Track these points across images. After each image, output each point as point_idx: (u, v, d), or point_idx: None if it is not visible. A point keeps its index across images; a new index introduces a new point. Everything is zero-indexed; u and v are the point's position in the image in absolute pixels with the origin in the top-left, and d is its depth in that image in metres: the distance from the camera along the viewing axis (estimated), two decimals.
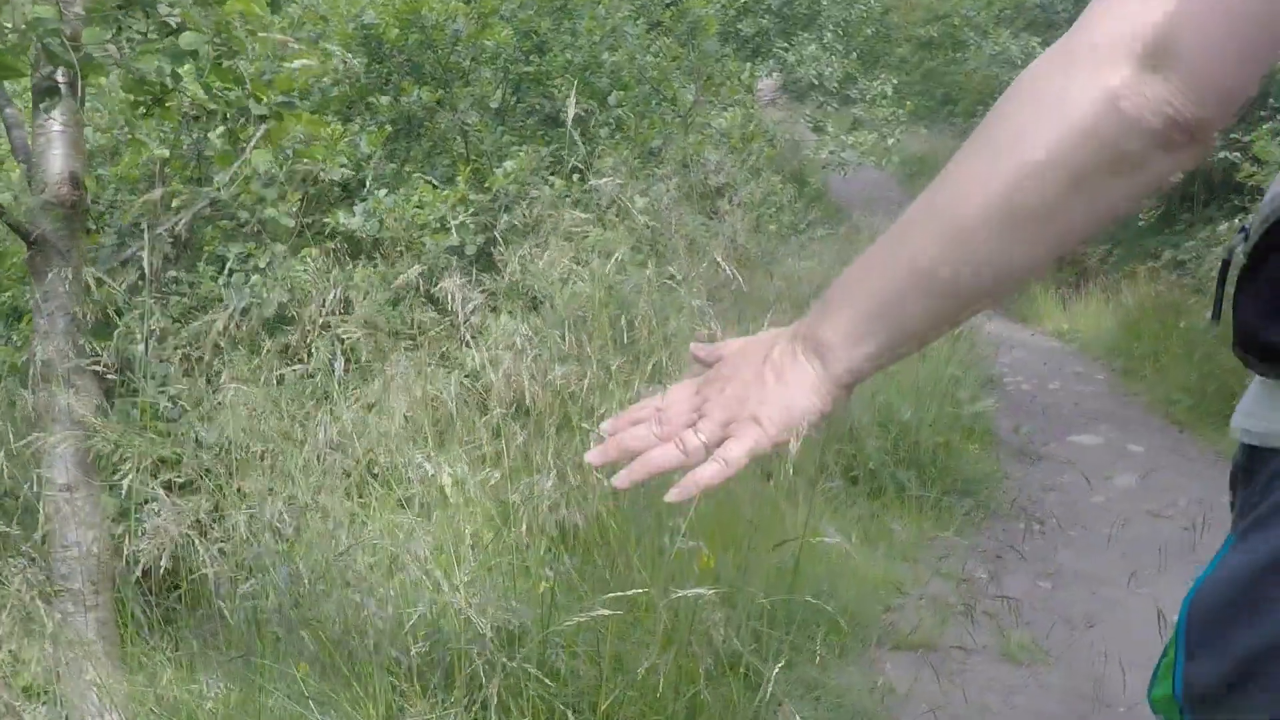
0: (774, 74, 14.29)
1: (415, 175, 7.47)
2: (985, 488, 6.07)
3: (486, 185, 7.26)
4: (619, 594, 2.37)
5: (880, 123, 14.68)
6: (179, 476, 3.29)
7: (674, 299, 5.88)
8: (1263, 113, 12.77)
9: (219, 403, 3.92)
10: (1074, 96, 0.89)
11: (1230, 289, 0.98)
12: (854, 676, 3.78)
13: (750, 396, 1.13)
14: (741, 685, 2.85)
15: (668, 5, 11.24)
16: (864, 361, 1.09)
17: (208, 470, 3.29)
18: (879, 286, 1.05)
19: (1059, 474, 6.96)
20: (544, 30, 8.67)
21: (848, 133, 14.42)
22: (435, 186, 7.24)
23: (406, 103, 8.04)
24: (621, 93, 8.99)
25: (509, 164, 7.32)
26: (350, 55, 8.43)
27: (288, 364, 5.86)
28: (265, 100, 4.46)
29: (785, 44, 14.11)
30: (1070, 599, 4.84)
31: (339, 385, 4.77)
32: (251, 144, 4.60)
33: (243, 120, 4.59)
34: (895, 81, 15.53)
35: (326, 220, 7.02)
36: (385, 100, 8.19)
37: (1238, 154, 12.78)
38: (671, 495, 1.14)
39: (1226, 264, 1.00)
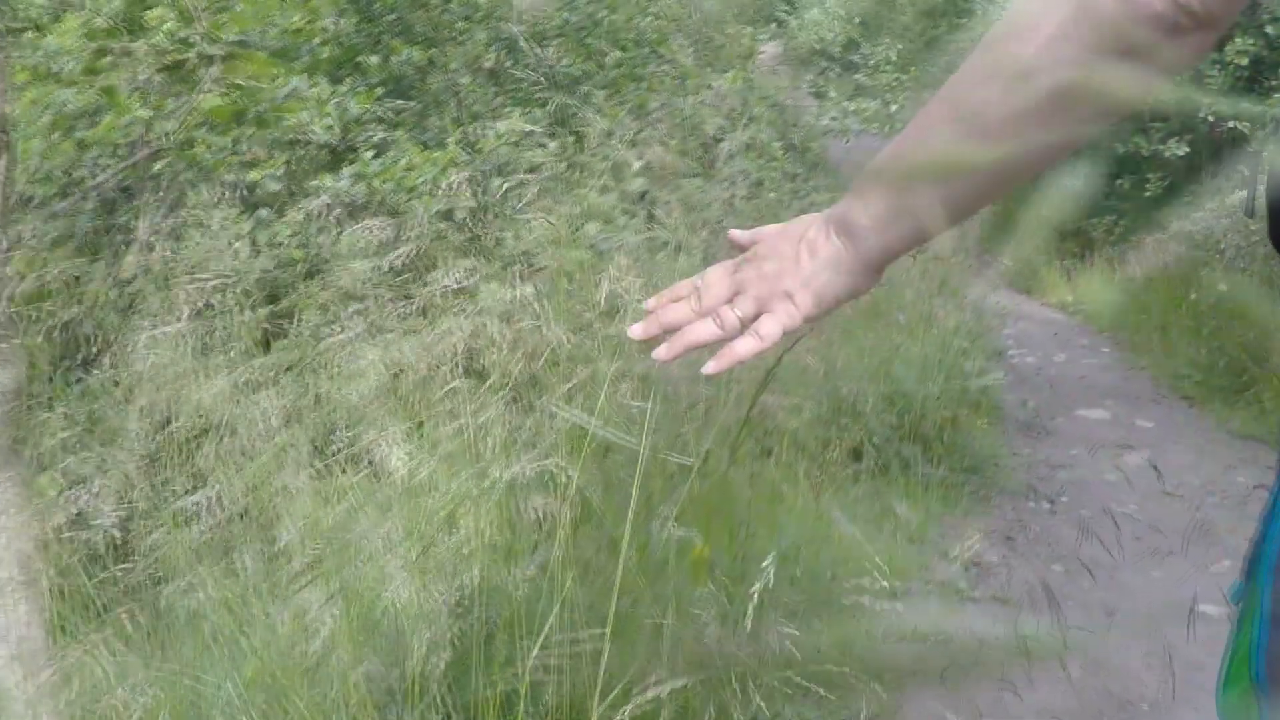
0: (775, 40, 13.98)
1: (404, 137, 7.20)
2: (993, 465, 5.83)
3: (478, 147, 7.00)
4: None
5: (883, 89, 14.40)
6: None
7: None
8: (1273, 81, 12.53)
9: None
10: None
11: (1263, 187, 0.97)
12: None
13: (785, 274, 1.16)
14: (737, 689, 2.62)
15: None
16: (893, 243, 1.13)
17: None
18: (908, 170, 1.10)
19: (1068, 450, 6.73)
20: None
21: (850, 99, 14.13)
22: (426, 148, 6.98)
23: (396, 63, 7.76)
24: (620, 53, 8.72)
25: (501, 125, 7.07)
26: (339, 14, 8.20)
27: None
28: (220, 39, 4.15)
29: (788, 7, 13.83)
30: (1086, 585, 4.59)
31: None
32: (203, 88, 4.30)
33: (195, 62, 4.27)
34: (900, 47, 15.22)
35: (314, 183, 6.75)
36: (375, 61, 7.91)
37: (1246, 124, 12.56)
38: (709, 367, 1.17)
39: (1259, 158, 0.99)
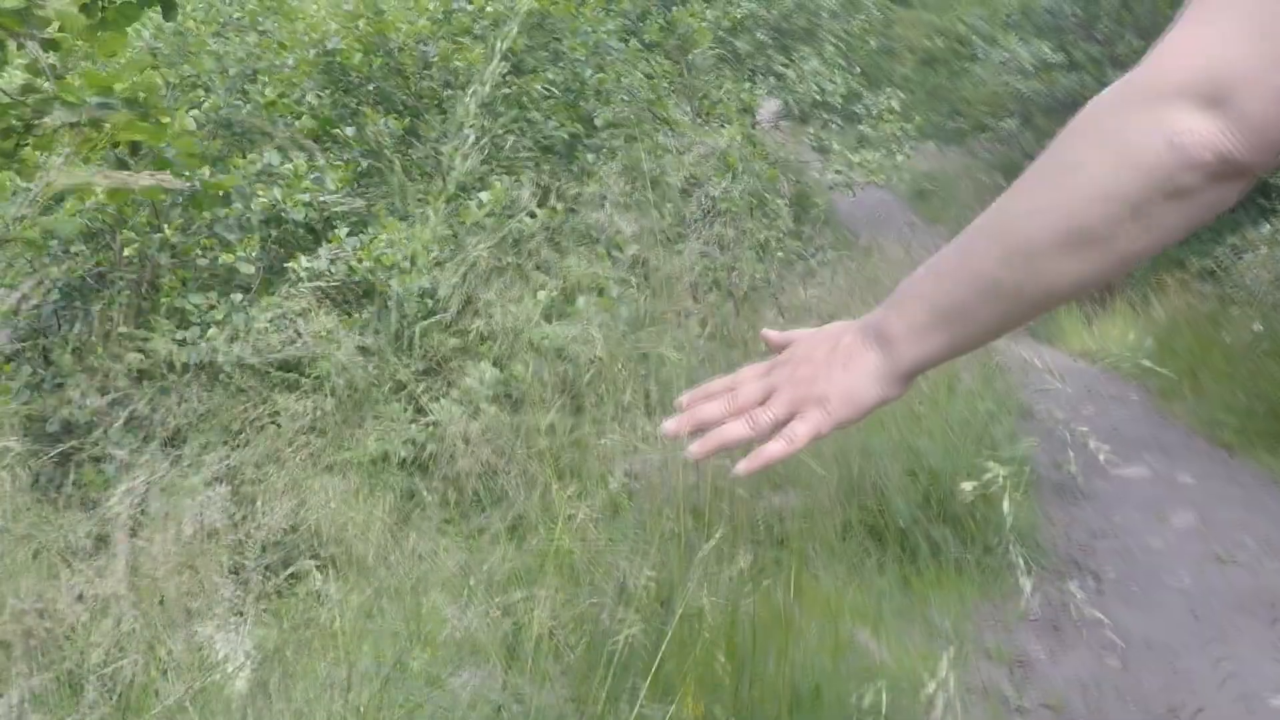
0: (774, 94, 13.60)
1: (383, 211, 6.83)
2: (1031, 539, 5.33)
3: (461, 219, 6.61)
4: None
5: (887, 139, 14.02)
6: None
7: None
8: None
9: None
10: (1133, 131, 0.95)
11: None
12: None
13: (819, 380, 1.20)
14: None
15: (659, 25, 10.61)
16: (927, 357, 1.17)
17: None
18: (945, 291, 1.13)
19: (1109, 515, 6.24)
20: (519, 49, 8.00)
21: (854, 150, 13.74)
22: (406, 222, 6.61)
23: (373, 133, 7.39)
24: (608, 113, 8.33)
25: (484, 195, 6.68)
26: (314, 86, 7.87)
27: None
28: (76, 100, 3.64)
29: (785, 60, 13.46)
30: (1145, 680, 4.11)
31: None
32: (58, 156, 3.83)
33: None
34: (902, 95, 14.86)
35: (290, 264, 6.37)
36: (350, 132, 7.54)
37: None
38: (741, 467, 1.20)
39: None
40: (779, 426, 1.20)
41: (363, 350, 5.98)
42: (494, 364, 5.96)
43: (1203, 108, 0.91)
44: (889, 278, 10.12)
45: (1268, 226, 11.24)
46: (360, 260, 6.10)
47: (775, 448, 1.19)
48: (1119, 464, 7.41)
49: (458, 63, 7.84)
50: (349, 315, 6.02)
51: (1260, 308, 9.21)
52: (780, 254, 9.11)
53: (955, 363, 6.28)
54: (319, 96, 7.82)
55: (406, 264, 6.19)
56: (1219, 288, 11.47)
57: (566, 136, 7.99)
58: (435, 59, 7.88)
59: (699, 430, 1.24)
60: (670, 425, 1.27)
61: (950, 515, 4.99)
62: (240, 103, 7.66)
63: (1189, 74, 0.93)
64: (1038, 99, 17.00)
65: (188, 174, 4.91)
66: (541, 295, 6.18)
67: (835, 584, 4.13)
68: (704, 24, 10.83)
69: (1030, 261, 1.04)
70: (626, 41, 9.25)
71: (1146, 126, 0.94)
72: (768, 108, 14.81)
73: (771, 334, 1.33)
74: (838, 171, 13.33)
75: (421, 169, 7.59)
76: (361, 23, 7.87)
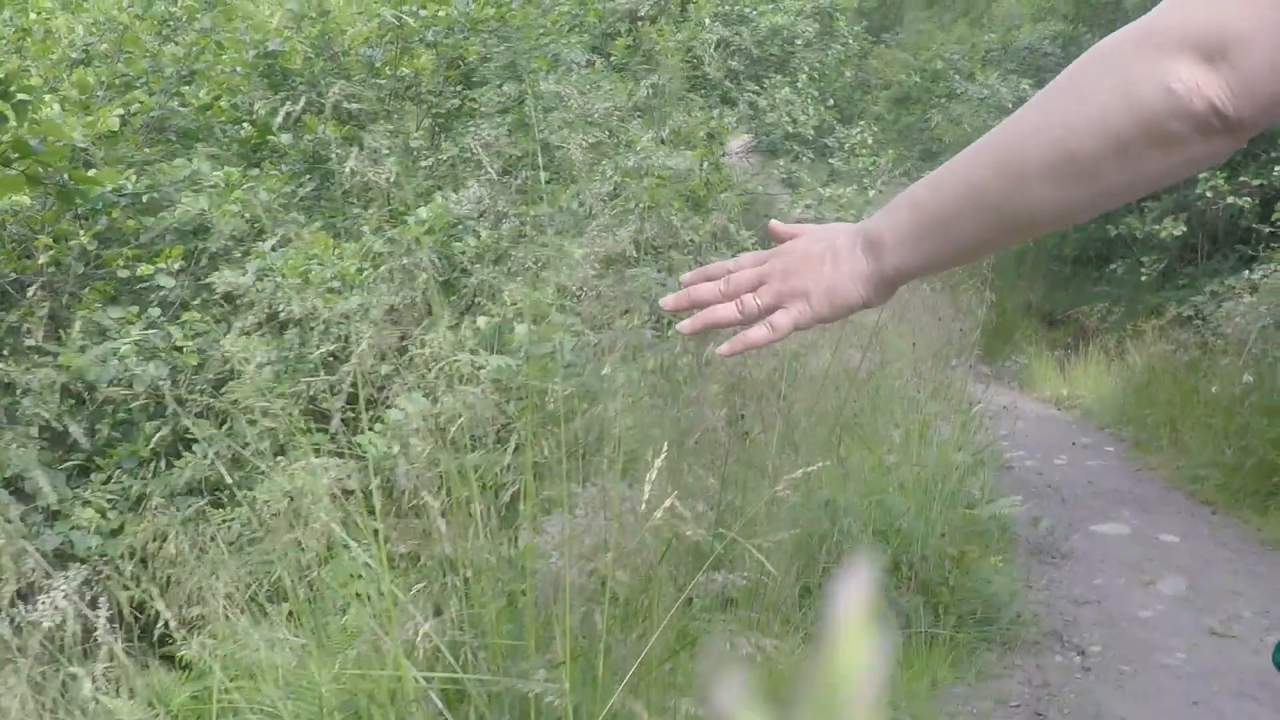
0: (743, 123, 13.16)
1: (317, 227, 6.34)
2: (1009, 609, 4.81)
3: (392, 237, 6.13)
4: None
5: (860, 174, 13.58)
6: None
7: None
8: (1274, 153, 11.78)
9: None
10: (1133, 71, 0.99)
11: None
12: None
13: (807, 275, 1.26)
14: None
15: (626, 44, 10.15)
16: (910, 265, 1.21)
17: None
18: (938, 200, 1.18)
19: (1090, 578, 5.75)
20: (471, 57, 7.52)
21: (824, 185, 13.28)
22: (340, 238, 6.13)
23: (310, 141, 6.90)
24: (566, 131, 7.85)
25: (423, 211, 6.18)
26: (260, 90, 7.39)
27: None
28: None
29: (756, 88, 13.04)
30: None
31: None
32: None
33: None
34: (876, 130, 14.45)
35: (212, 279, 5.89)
36: (287, 139, 7.04)
37: (1247, 199, 11.80)
38: (723, 349, 1.30)
39: None
40: (765, 314, 1.26)
41: (284, 374, 5.52)
42: (426, 395, 5.46)
43: (1203, 60, 0.95)
44: (858, 316, 9.71)
45: (1248, 273, 10.88)
46: (284, 277, 5.62)
47: (756, 333, 1.26)
48: (1097, 520, 6.95)
49: (405, 70, 7.35)
50: (273, 336, 5.55)
51: (1250, 358, 8.76)
52: None
53: (929, 409, 5.79)
54: (265, 99, 7.33)
55: (336, 283, 5.72)
56: (1198, 335, 11.09)
57: (519, 154, 7.50)
58: (381, 64, 7.40)
59: (694, 308, 1.30)
60: (669, 301, 1.32)
61: (922, 582, 4.48)
62: (176, 106, 7.16)
63: (1194, 26, 0.96)
64: None
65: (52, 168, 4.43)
66: (481, 322, 5.71)
67: (788, 661, 3.61)
68: (672, 45, 10.36)
69: (1019, 179, 1.08)
70: (592, 62, 8.81)
71: (1147, 70, 0.99)
72: (737, 141, 14.43)
73: (778, 225, 1.36)
74: (807, 206, 12.85)
75: (363, 182, 7.09)
76: (305, 23, 7.38)
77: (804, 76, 13.66)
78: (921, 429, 5.43)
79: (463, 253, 6.09)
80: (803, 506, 4.06)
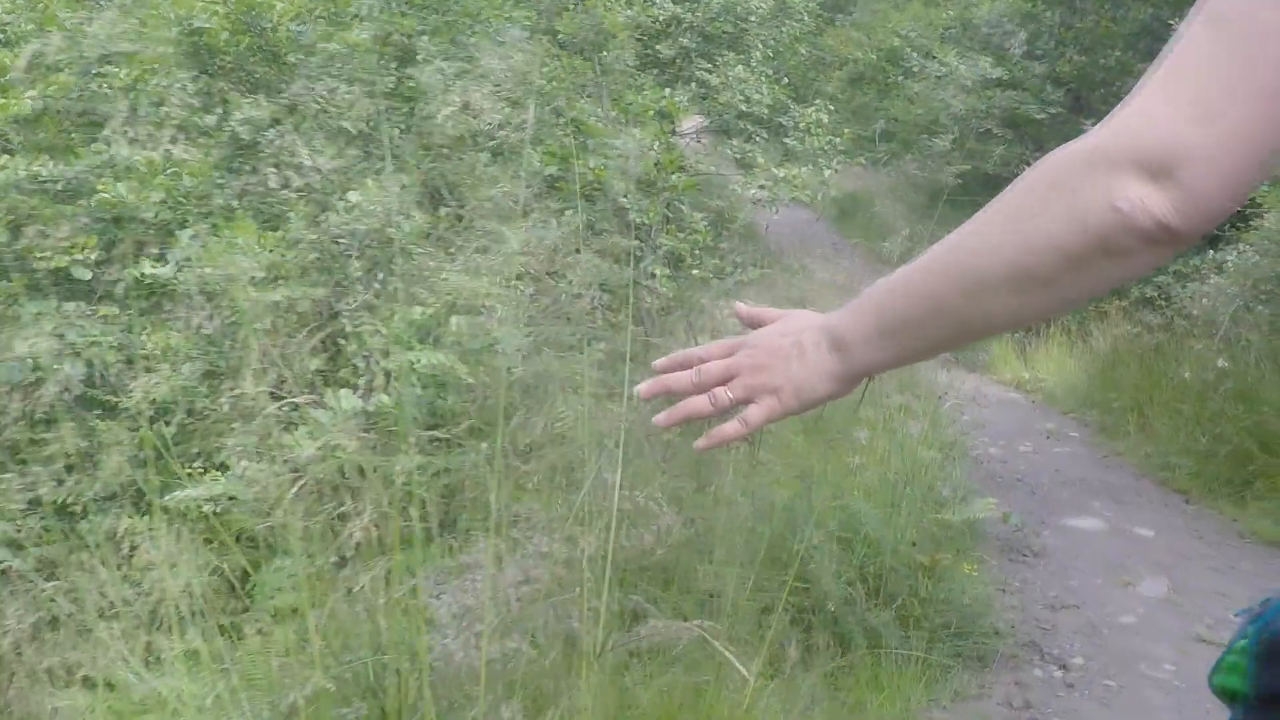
0: (696, 101, 12.79)
1: (243, 213, 5.97)
2: (984, 620, 4.45)
3: (321, 223, 5.77)
4: None
5: (815, 154, 13.22)
6: None
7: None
8: None
9: None
10: (1082, 190, 1.04)
11: None
12: None
13: (776, 370, 1.32)
14: None
15: (569, 10, 9.74)
16: (875, 362, 1.28)
17: None
18: (899, 309, 1.23)
19: (1065, 578, 5.42)
20: (410, 31, 7.12)
21: (779, 165, 12.90)
22: (269, 226, 5.78)
23: (235, 123, 6.49)
24: (509, 111, 7.46)
25: (353, 196, 5.79)
26: (188, 71, 6.98)
27: None
28: None
29: (709, 66, 12.66)
30: None
31: None
32: None
33: None
34: (831, 108, 14.07)
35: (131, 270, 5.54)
36: (211, 121, 6.64)
37: None
38: (699, 444, 1.35)
39: None
40: (737, 407, 1.32)
41: (209, 372, 5.18)
42: (359, 391, 5.10)
43: (1149, 179, 0.99)
44: (816, 300, 9.36)
45: (1212, 253, 10.61)
46: (206, 267, 5.25)
47: (730, 429, 1.31)
48: (1069, 514, 6.62)
49: (336, 46, 6.95)
50: (195, 332, 5.20)
51: (1223, 343, 8.45)
52: (696, 271, 8.30)
53: (895, 401, 5.44)
54: (194, 80, 6.92)
55: (261, 273, 5.34)
56: (1163, 317, 10.81)
57: (460, 134, 7.12)
58: (312, 41, 7.00)
59: (665, 396, 1.36)
60: (643, 388, 1.37)
61: (890, 594, 4.11)
62: (96, 87, 6.75)
63: (1140, 146, 1.00)
64: (973, 118, 16.31)
65: None
66: (418, 313, 5.35)
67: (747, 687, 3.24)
68: (621, 21, 9.96)
69: (978, 293, 1.14)
70: (538, 39, 8.44)
71: (1097, 188, 1.02)
72: (690, 121, 14.12)
73: (742, 309, 1.43)
74: (761, 187, 12.47)
75: (293, 165, 6.71)
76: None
77: (757, 54, 13.29)
78: (887, 422, 5.08)
79: (395, 240, 5.73)
80: (760, 515, 3.68)
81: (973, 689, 4.04)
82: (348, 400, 4.93)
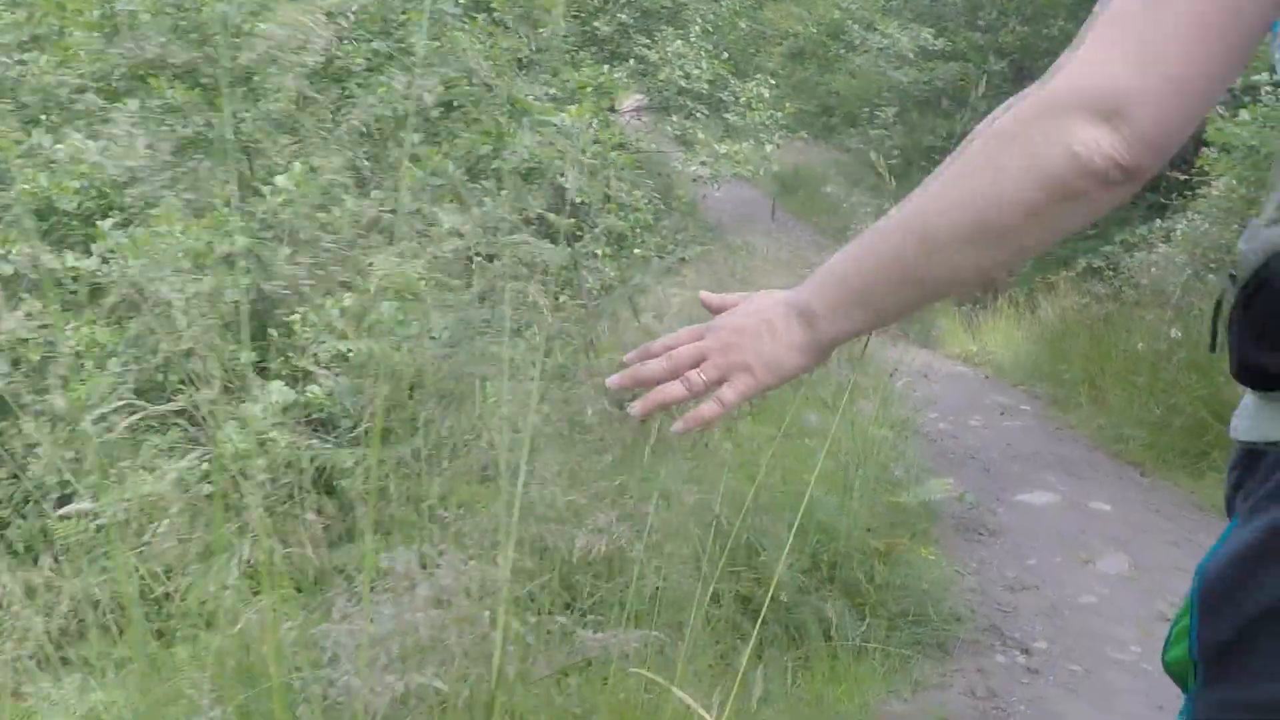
0: (634, 78, 12.57)
1: (171, 201, 5.72)
2: (943, 604, 4.27)
3: (252, 209, 5.54)
4: None
5: (756, 129, 13.04)
6: None
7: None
8: None
9: None
10: (1038, 140, 1.07)
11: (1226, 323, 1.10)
12: None
13: (746, 349, 1.33)
14: None
15: None
16: (844, 331, 1.30)
17: None
18: (864, 274, 1.26)
19: (1023, 556, 5.27)
20: (336, 8, 6.86)
21: (720, 141, 12.71)
22: (198, 214, 5.53)
23: (157, 107, 6.26)
24: (443, 89, 7.24)
25: (281, 179, 5.56)
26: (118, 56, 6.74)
27: None
28: None
29: (647, 41, 12.46)
30: None
31: None
32: None
33: None
34: (773, 82, 13.89)
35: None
36: (133, 105, 6.38)
37: None
38: (677, 426, 1.35)
39: (1220, 304, 1.11)
40: (711, 388, 1.33)
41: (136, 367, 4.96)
42: (289, 382, 4.90)
43: (1101, 121, 1.04)
44: (760, 277, 9.18)
45: (1159, 222, 10.52)
46: (132, 259, 5.03)
47: (707, 409, 1.33)
48: (1023, 489, 6.48)
49: (264, 25, 6.68)
50: (121, 326, 4.99)
51: (1176, 312, 8.32)
52: (639, 250, 8.12)
53: (850, 385, 5.26)
54: (120, 60, 6.68)
55: (188, 264, 5.11)
56: (1111, 287, 10.70)
57: (387, 114, 6.90)
58: (236, 19, 6.74)
59: (638, 387, 1.37)
60: (614, 380, 1.40)
61: (845, 582, 3.93)
62: (16, 75, 6.50)
63: (1088, 90, 1.05)
64: (915, 90, 16.18)
65: None
66: (348, 301, 5.13)
67: (698, 682, 3.06)
68: None
69: (940, 252, 1.16)
70: (473, 16, 8.21)
71: (1051, 136, 1.06)
72: (630, 100, 13.94)
73: (708, 296, 1.43)
74: (703, 163, 12.28)
75: (220, 151, 6.49)
76: None
77: (696, 28, 13.09)
78: (836, 401, 4.90)
79: (328, 225, 5.52)
80: (707, 504, 3.49)
81: (934, 678, 3.86)
82: (279, 393, 4.73)
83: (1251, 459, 1.08)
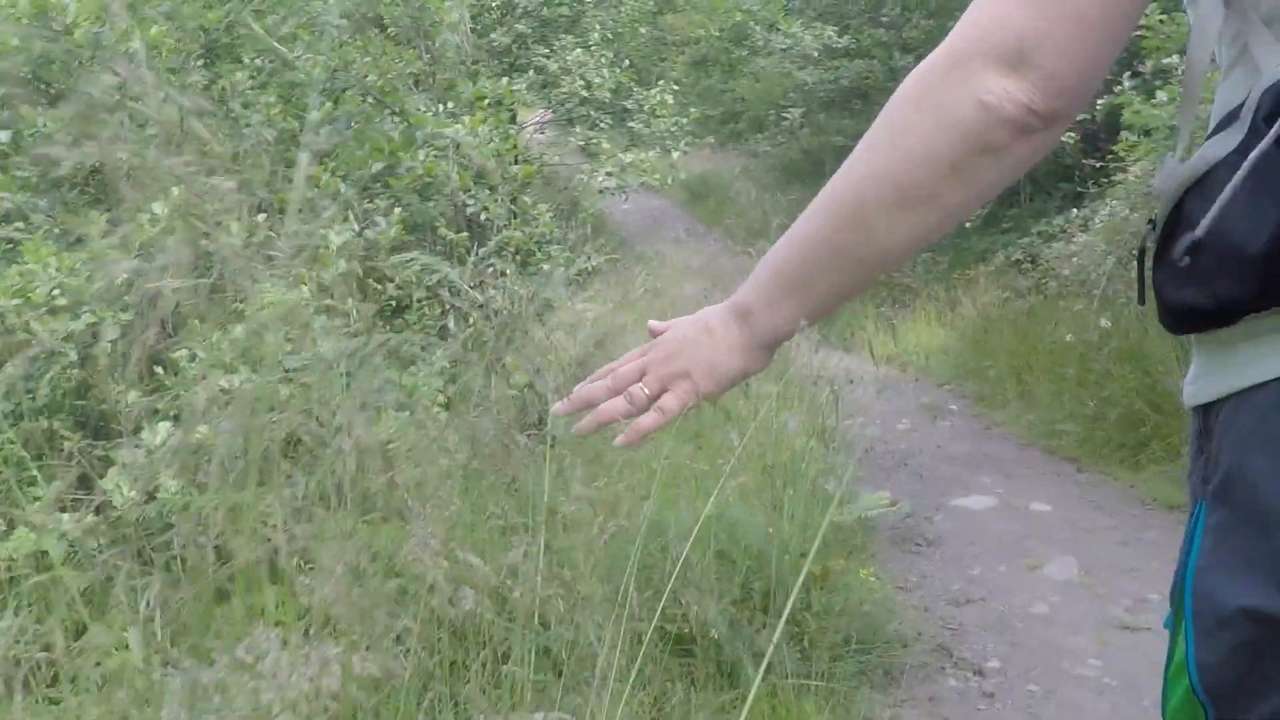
0: (534, 90, 12.27)
1: (41, 235, 5.38)
2: (887, 628, 3.94)
3: (129, 239, 5.13)
4: None
5: (662, 136, 12.78)
6: None
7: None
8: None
9: None
10: (947, 95, 1.07)
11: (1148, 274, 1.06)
12: None
13: (685, 356, 1.32)
14: None
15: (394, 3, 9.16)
16: (781, 325, 1.28)
17: None
18: (794, 262, 1.25)
19: (966, 566, 4.98)
20: (212, 25, 6.49)
21: (625, 151, 12.42)
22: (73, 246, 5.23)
23: (33, 137, 5.90)
24: (331, 107, 6.90)
25: (158, 206, 5.17)
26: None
27: None
28: None
29: (546, 51, 12.17)
30: None
31: None
32: None
33: None
34: (676, 89, 13.63)
35: None
36: (3, 137, 6.01)
37: (1070, 134, 11.21)
38: (619, 440, 1.34)
39: (1143, 252, 1.07)
40: (653, 400, 1.32)
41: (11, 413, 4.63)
42: (176, 421, 4.53)
43: (1007, 69, 1.04)
44: (671, 286, 8.89)
45: (1075, 212, 10.36)
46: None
47: (647, 420, 1.31)
48: (958, 493, 6.19)
49: (135, 45, 6.31)
50: None
51: (1103, 301, 8.09)
52: (546, 265, 7.79)
53: (766, 390, 4.94)
54: None
55: (62, 300, 4.76)
56: (1031, 280, 10.53)
57: (276, 134, 6.55)
58: (109, 40, 6.37)
59: (584, 410, 1.35)
60: (560, 406, 1.38)
61: (781, 612, 3.59)
62: None
63: (992, 40, 1.04)
64: (820, 89, 15.99)
65: None
66: (239, 331, 4.76)
67: None
68: (447, 3, 9.40)
69: (866, 224, 1.15)
70: (361, 29, 7.87)
71: (959, 90, 1.06)
72: (535, 115, 13.69)
73: (655, 324, 1.40)
74: (608, 174, 11.99)
75: (99, 179, 6.13)
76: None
77: (596, 35, 12.82)
78: (754, 414, 4.57)
79: (212, 251, 5.13)
80: (622, 536, 3.14)
81: (883, 712, 3.53)
82: (165, 434, 4.38)
83: (1207, 421, 1.02)
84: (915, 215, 1.12)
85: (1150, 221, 1.05)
